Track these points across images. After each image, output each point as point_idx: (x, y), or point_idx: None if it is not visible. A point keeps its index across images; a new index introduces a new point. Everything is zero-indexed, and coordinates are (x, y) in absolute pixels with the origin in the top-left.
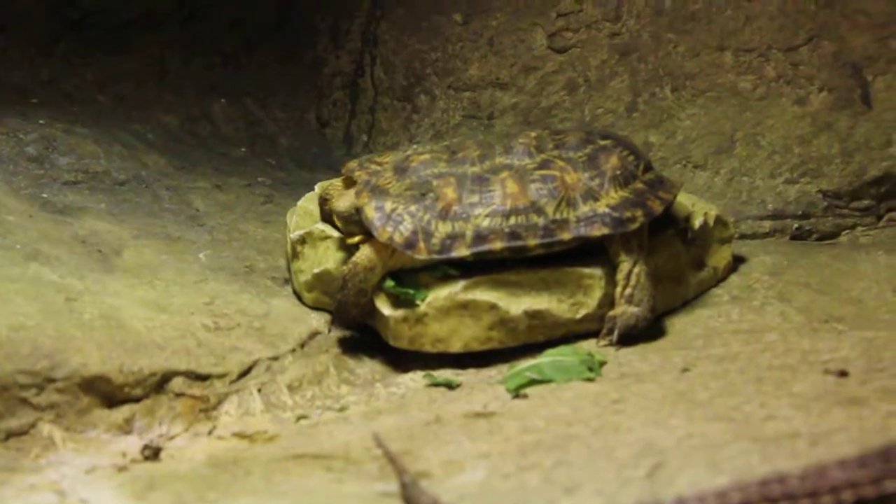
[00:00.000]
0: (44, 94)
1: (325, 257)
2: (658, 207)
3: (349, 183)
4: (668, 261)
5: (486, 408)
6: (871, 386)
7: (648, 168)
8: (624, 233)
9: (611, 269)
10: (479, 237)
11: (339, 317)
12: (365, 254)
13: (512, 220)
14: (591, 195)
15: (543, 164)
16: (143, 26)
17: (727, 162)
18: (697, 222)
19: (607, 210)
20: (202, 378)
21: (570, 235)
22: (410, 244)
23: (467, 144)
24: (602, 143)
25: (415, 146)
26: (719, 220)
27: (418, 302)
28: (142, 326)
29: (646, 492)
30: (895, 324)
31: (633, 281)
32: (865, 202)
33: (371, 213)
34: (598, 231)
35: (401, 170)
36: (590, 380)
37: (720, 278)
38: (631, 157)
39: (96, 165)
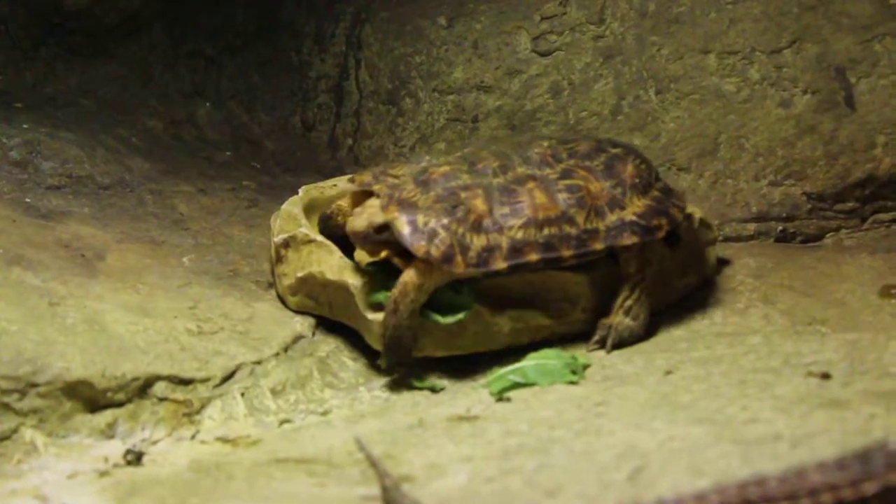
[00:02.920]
0: (27, 98)
1: (308, 261)
2: (678, 215)
3: (358, 197)
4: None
5: (469, 411)
6: (853, 388)
7: (658, 177)
8: (642, 244)
9: (597, 275)
10: (515, 249)
11: (393, 348)
12: (410, 273)
13: (545, 231)
14: (617, 204)
15: (566, 174)
16: (127, 30)
17: (711, 164)
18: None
19: (635, 218)
20: (185, 382)
21: (603, 245)
22: (447, 258)
23: (483, 155)
24: (614, 150)
25: (428, 157)
26: (703, 223)
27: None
28: (125, 331)
29: (627, 495)
30: (878, 326)
31: (636, 295)
32: (849, 204)
33: (403, 227)
34: (629, 240)
35: (422, 182)
36: (573, 383)
37: (704, 281)
38: (643, 166)
39: (80, 170)
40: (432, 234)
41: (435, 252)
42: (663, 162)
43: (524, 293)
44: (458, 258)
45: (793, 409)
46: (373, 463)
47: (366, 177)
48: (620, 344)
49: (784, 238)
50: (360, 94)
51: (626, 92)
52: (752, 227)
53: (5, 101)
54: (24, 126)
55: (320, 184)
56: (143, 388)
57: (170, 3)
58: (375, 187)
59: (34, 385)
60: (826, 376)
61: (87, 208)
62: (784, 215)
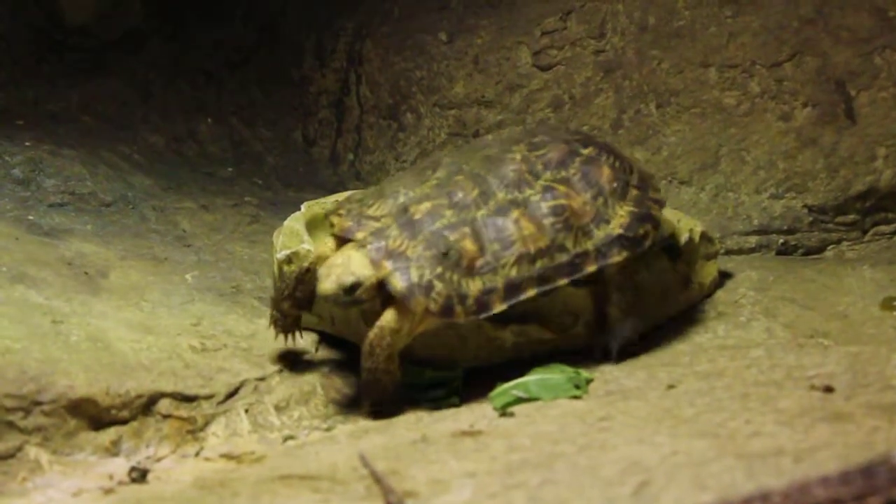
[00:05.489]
0: (29, 115)
1: None
2: (658, 213)
3: (340, 243)
4: (654, 277)
5: (472, 426)
6: (856, 401)
7: (631, 168)
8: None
9: (599, 288)
10: (512, 288)
11: (370, 390)
12: (389, 316)
13: (538, 264)
14: (602, 218)
15: (547, 192)
16: (128, 47)
17: (712, 178)
18: (683, 238)
19: (621, 231)
20: (189, 399)
21: (595, 266)
22: (447, 310)
23: (459, 181)
24: (585, 152)
25: (405, 191)
26: (705, 236)
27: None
28: (128, 348)
29: None
30: (880, 339)
31: (628, 293)
32: (851, 217)
33: (398, 283)
34: (619, 256)
35: (407, 225)
36: (576, 397)
37: (706, 294)
38: (617, 163)
39: (82, 187)
40: (429, 288)
41: (434, 307)
42: (665, 175)
43: (526, 308)
44: (458, 308)
45: (795, 422)
46: (377, 479)
47: (347, 222)
48: (628, 342)
49: (785, 251)
50: (361, 109)
51: (627, 106)
52: (753, 240)
53: (7, 119)
54: (26, 143)
55: (322, 199)
56: (146, 405)
57: (170, 19)
58: (359, 236)
59: (38, 403)
60: (829, 389)
61: (89, 225)
62: (785, 228)
